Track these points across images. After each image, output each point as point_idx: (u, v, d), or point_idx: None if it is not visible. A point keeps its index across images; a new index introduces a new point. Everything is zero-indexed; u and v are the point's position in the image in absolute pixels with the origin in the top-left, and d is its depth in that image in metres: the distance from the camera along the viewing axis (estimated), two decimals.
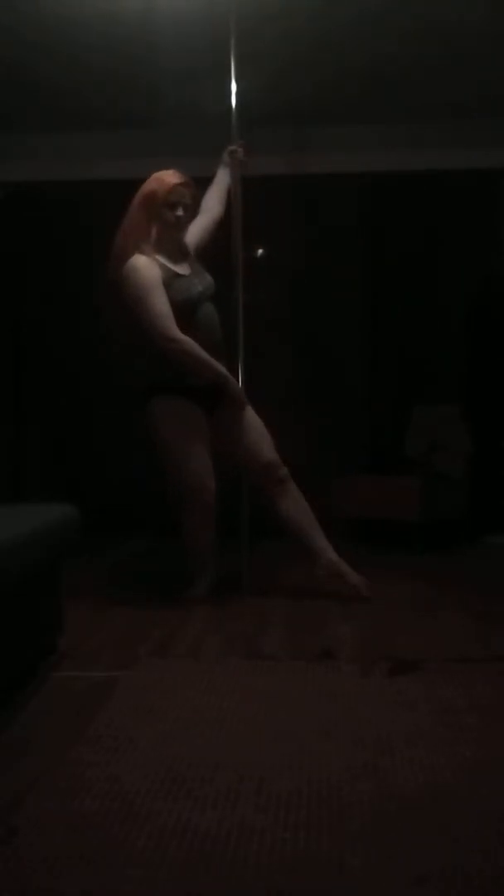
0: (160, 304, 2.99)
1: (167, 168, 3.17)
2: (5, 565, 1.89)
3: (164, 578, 3.53)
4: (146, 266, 3.02)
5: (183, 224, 3.14)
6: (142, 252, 3.03)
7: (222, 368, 3.09)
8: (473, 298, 4.93)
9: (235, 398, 3.14)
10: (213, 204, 3.39)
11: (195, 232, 3.29)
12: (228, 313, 3.37)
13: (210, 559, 3.25)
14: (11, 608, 2.06)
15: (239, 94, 3.44)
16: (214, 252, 3.41)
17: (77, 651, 2.51)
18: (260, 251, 4.86)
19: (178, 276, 3.07)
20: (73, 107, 4.52)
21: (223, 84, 3.45)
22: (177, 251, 3.14)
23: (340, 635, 2.67)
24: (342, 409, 4.94)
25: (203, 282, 3.16)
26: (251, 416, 3.24)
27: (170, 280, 3.04)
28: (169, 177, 3.09)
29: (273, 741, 1.78)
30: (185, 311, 3.05)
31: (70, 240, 4.97)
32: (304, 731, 1.83)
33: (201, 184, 3.43)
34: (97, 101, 4.44)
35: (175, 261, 3.11)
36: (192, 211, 3.20)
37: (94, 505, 4.66)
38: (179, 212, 3.07)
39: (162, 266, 3.05)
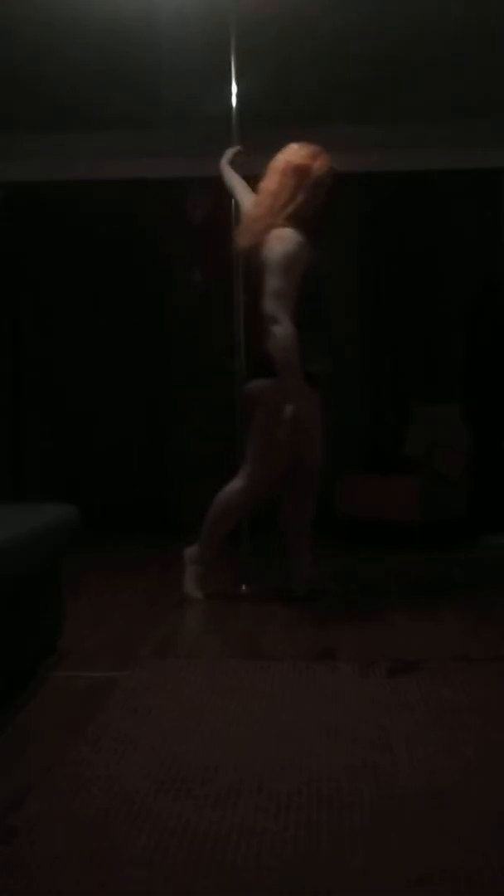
0: (289, 284, 2.91)
1: (166, 168, 3.16)
2: (5, 565, 1.88)
3: (166, 579, 3.53)
4: (299, 244, 2.94)
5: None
6: (293, 226, 2.96)
7: (297, 376, 2.91)
8: (473, 298, 4.94)
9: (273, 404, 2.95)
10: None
11: None
12: (229, 313, 3.37)
13: (217, 557, 3.25)
14: (11, 608, 2.06)
15: (239, 94, 3.43)
16: (215, 252, 3.41)
17: (77, 651, 2.51)
18: None
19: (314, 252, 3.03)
20: (73, 107, 4.52)
21: (223, 84, 3.45)
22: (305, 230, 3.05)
23: (340, 635, 2.67)
24: (342, 409, 4.94)
25: None
26: (319, 420, 3.18)
27: (311, 257, 3.00)
28: (326, 158, 3.05)
29: (273, 741, 1.78)
30: (325, 285, 3.07)
31: (70, 240, 4.97)
32: (304, 731, 1.83)
33: (200, 183, 3.44)
34: (97, 101, 4.44)
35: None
36: None
37: (95, 504, 4.70)
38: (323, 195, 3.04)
39: (306, 244, 2.97)
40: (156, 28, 3.67)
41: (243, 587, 3.35)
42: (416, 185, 4.90)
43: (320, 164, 3.02)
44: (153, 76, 4.12)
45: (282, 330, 2.88)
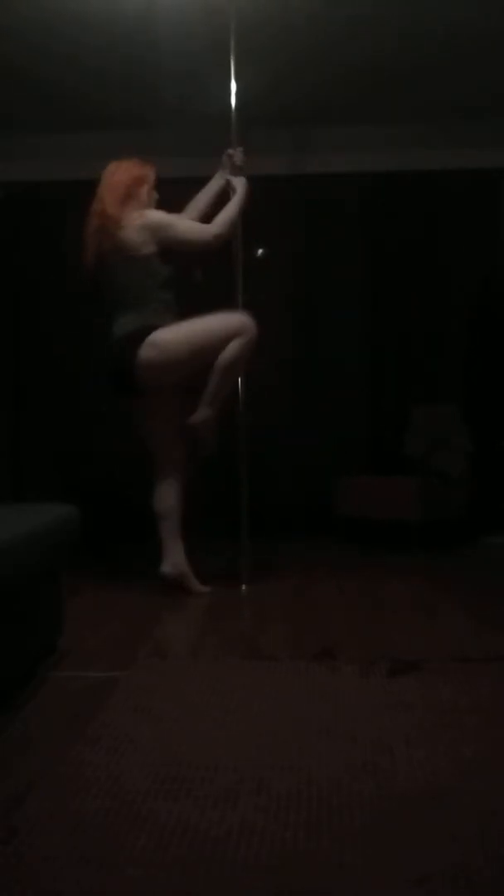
0: None
1: (166, 168, 3.19)
2: (5, 565, 1.88)
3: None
4: None
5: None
6: None
7: None
8: (473, 298, 4.93)
9: None
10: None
11: None
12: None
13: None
14: (11, 608, 2.06)
15: (239, 94, 3.44)
16: (216, 251, 3.42)
17: (77, 651, 2.51)
18: (260, 251, 4.86)
19: None
20: (73, 107, 4.52)
21: (223, 84, 3.45)
22: None
23: (340, 635, 2.67)
24: (342, 409, 4.94)
25: None
26: None
27: None
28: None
29: (273, 741, 1.78)
30: None
31: (69, 240, 4.96)
32: (304, 731, 1.83)
33: (200, 183, 3.45)
34: (97, 101, 4.44)
35: None
36: None
37: (95, 505, 4.70)
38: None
39: None
40: (156, 28, 3.67)
41: (243, 587, 3.35)
42: (416, 185, 4.90)
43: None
44: (153, 76, 4.12)
45: None
